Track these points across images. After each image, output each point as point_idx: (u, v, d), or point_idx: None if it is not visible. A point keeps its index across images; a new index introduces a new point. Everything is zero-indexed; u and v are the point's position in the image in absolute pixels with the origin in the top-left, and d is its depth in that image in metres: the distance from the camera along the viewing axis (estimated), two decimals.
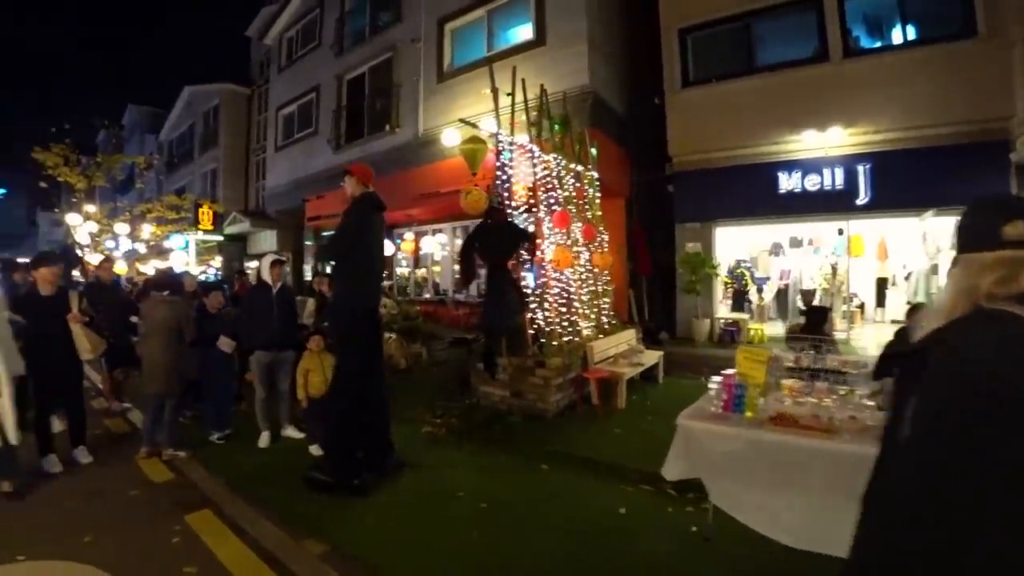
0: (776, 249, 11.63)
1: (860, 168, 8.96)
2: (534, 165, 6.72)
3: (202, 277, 15.62)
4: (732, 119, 9.76)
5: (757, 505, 3.31)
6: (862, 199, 9.01)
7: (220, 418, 5.44)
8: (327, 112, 15.51)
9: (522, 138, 6.81)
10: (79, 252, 16.68)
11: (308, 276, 17.77)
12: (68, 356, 4.67)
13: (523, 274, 6.35)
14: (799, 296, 10.91)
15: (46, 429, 4.67)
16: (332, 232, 13.81)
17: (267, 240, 19.85)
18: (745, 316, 10.34)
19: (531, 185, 6.66)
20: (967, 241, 1.20)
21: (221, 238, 21.40)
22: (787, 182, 9.54)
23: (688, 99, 10.28)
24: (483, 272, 6.67)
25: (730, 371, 3.80)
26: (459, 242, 13.15)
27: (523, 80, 6.93)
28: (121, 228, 18.19)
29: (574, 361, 6.27)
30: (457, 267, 12.84)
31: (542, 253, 6.39)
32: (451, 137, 10.22)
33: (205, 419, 5.55)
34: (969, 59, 8.16)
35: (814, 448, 3.16)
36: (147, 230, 19.25)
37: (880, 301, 11.19)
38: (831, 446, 3.12)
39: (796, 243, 11.42)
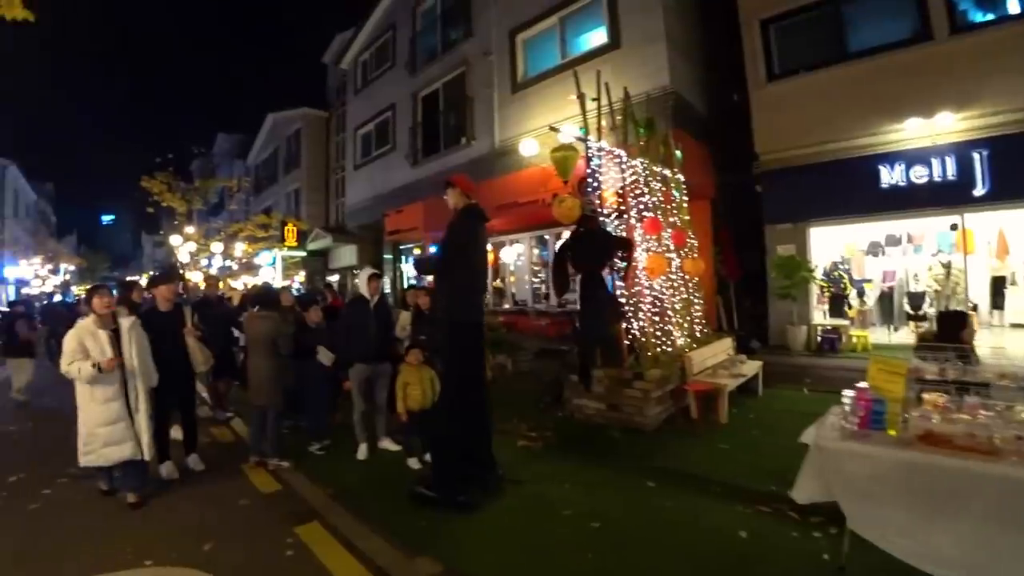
0: (874, 248, 10.84)
1: (975, 155, 8.08)
2: (622, 170, 6.55)
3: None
4: (824, 111, 9.12)
5: (905, 533, 3.01)
6: (979, 189, 8.13)
7: (320, 429, 5.57)
8: (403, 129, 15.97)
9: (606, 143, 6.66)
10: (180, 270, 18.02)
11: (387, 289, 18.35)
12: (185, 368, 4.96)
13: (617, 283, 6.17)
14: (906, 299, 10.07)
15: (165, 437, 4.92)
16: (418, 245, 14.13)
17: (347, 255, 20.62)
18: (845, 322, 9.63)
19: (620, 191, 6.50)
20: None
21: (304, 254, 22.46)
22: (890, 176, 8.77)
23: (774, 93, 9.74)
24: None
25: (863, 384, 3.50)
26: (537, 252, 13.12)
27: (606, 84, 6.79)
28: (216, 247, 19.49)
29: (672, 372, 6.03)
30: (533, 277, 12.86)
31: (636, 261, 6.20)
32: (529, 147, 10.24)
33: (306, 430, 5.70)
34: None
35: (975, 471, 2.84)
36: (239, 248, 20.49)
37: (996, 303, 10.11)
38: (996, 469, 2.79)
39: (894, 241, 10.59)
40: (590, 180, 6.20)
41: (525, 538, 3.61)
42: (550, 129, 7.23)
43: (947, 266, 9.43)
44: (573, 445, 5.46)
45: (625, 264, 6.12)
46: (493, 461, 4.36)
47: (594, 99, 6.68)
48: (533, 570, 3.23)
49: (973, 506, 2.83)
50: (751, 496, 4.09)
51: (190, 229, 19.58)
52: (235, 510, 4.24)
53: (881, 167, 8.80)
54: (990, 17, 8.41)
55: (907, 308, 9.97)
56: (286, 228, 21.31)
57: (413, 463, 4.95)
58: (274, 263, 22.31)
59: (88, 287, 4.29)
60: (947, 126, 8.23)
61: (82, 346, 4.01)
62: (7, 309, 10.94)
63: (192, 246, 18.93)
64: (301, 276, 22.98)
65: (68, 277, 36.51)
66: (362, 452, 5.28)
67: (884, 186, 8.80)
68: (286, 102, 25.69)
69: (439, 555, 3.38)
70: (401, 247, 17.16)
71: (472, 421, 4.15)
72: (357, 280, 5.53)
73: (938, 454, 2.99)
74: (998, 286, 10.06)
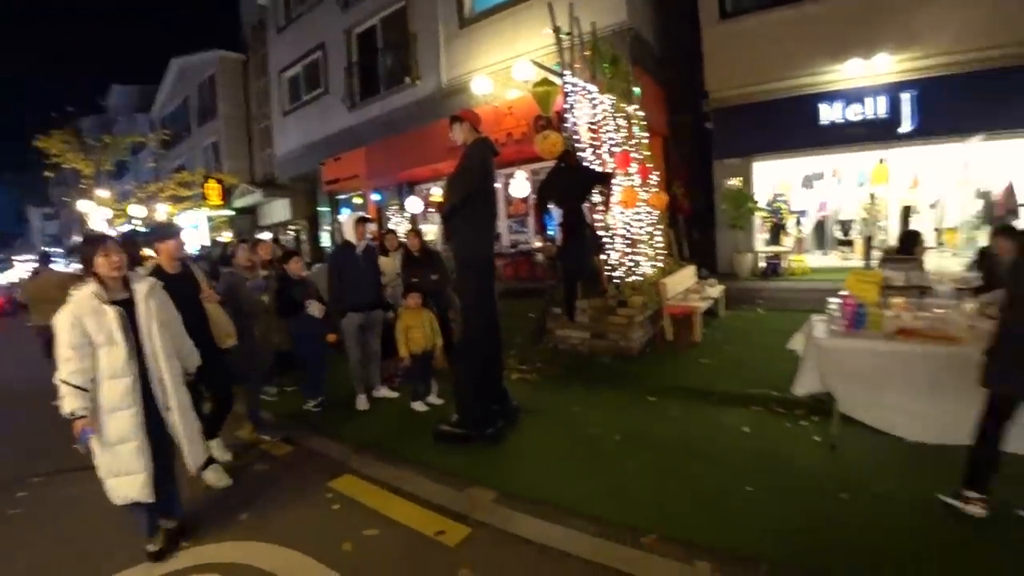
0: (808, 182, 11.65)
1: (905, 96, 8.83)
2: (593, 106, 6.62)
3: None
4: (772, 51, 9.51)
5: (888, 408, 3.60)
6: (905, 127, 8.92)
7: (317, 386, 5.33)
8: (337, 70, 15.05)
9: (578, 79, 6.66)
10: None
11: (326, 242, 17.73)
12: (207, 342, 3.84)
13: (595, 216, 6.33)
14: (837, 227, 10.98)
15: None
16: (359, 194, 13.62)
17: (280, 210, 19.62)
18: (785, 248, 10.41)
19: (591, 126, 6.57)
20: None
21: (232, 212, 21.12)
22: (828, 113, 9.40)
23: (726, 32, 10.00)
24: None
25: (844, 292, 3.96)
26: None
27: (576, 18, 6.75)
28: (137, 211, 17.77)
29: (651, 299, 6.36)
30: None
31: (612, 194, 6.37)
32: (482, 85, 10.02)
33: (303, 388, 5.46)
34: None
35: (943, 355, 3.40)
36: (162, 210, 18.82)
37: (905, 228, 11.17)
38: (959, 351, 3.34)
39: (820, 176, 11.44)
40: (567, 115, 6.22)
41: (564, 458, 3.79)
42: (535, 64, 7.03)
43: (873, 196, 10.32)
44: (568, 374, 5.69)
45: (604, 198, 6.27)
46: (507, 393, 4.48)
47: (567, 34, 6.62)
48: (584, 481, 3.42)
49: (942, 382, 3.42)
50: (742, 399, 4.56)
51: (103, 193, 17.68)
52: (255, 477, 4.02)
53: (821, 105, 9.40)
54: None
55: (837, 234, 10.88)
56: (207, 185, 19.80)
57: (419, 406, 4.95)
58: (198, 226, 20.84)
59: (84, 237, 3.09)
60: (883, 68, 8.85)
61: (81, 330, 2.75)
62: None
63: (107, 212, 17.15)
64: (228, 236, 21.56)
65: None
66: (361, 403, 5.16)
67: (823, 123, 9.42)
68: (193, 45, 23.37)
69: (488, 484, 3.44)
70: (340, 197, 16.53)
71: (491, 354, 4.23)
72: (342, 226, 5.31)
73: (914, 343, 3.50)
74: (906, 214, 11.12)
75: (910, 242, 5.59)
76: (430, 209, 13.37)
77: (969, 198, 9.74)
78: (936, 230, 10.48)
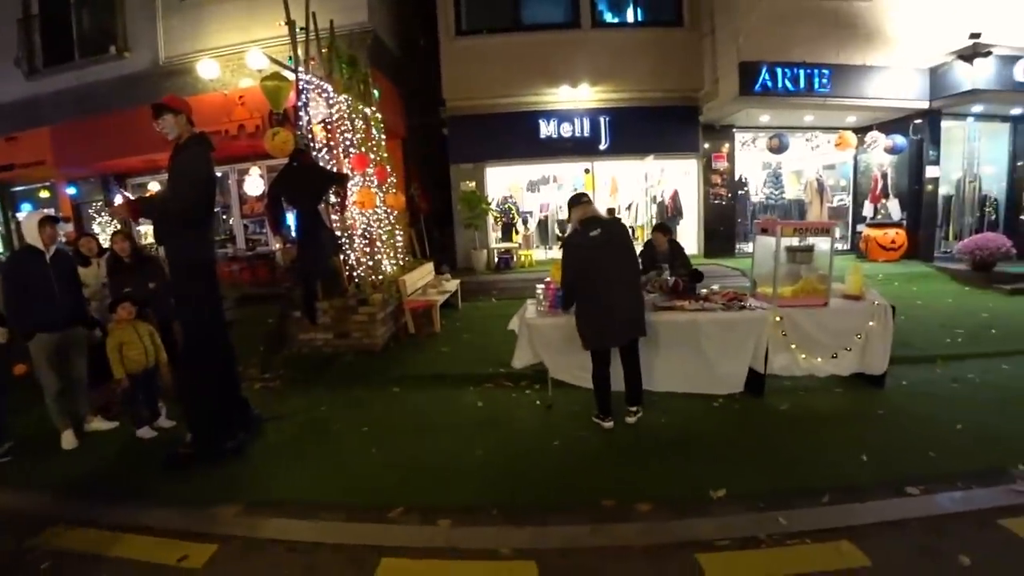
0: (532, 186, 13.37)
1: (602, 120, 11.10)
2: (329, 105, 6.63)
3: None
4: (500, 70, 10.84)
5: (577, 368, 4.51)
6: (603, 145, 11.21)
7: None
8: (7, 21, 11.81)
9: (313, 76, 6.59)
10: None
11: None
12: None
13: (332, 216, 6.37)
14: (556, 225, 12.86)
15: None
16: (45, 186, 11.09)
17: None
18: (515, 245, 11.83)
19: (327, 125, 6.58)
20: (574, 204, 4.11)
21: None
22: (546, 128, 11.21)
23: (462, 47, 10.97)
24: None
25: (548, 279, 4.84)
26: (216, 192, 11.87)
27: (314, 13, 6.65)
28: None
29: (391, 295, 6.68)
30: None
31: (349, 195, 6.50)
32: (208, 69, 9.18)
33: None
34: (677, 42, 10.82)
35: None
36: None
37: None
38: None
39: (544, 180, 13.33)
40: (301, 113, 6.12)
41: (311, 457, 3.88)
42: (273, 62, 6.61)
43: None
44: (312, 376, 5.68)
45: (339, 198, 6.37)
46: (247, 403, 4.32)
47: (302, 28, 6.46)
48: (333, 475, 3.58)
49: None
50: (477, 379, 5.26)
51: None
52: None
53: (540, 121, 11.15)
54: (616, 21, 11.32)
55: (557, 232, 12.78)
56: None
57: (145, 433, 4.38)
58: None
59: None
60: (586, 96, 10.94)
61: None
62: None
63: None
64: None
65: None
66: (68, 440, 4.29)
67: (542, 137, 11.20)
68: None
69: (234, 499, 3.31)
70: (17, 189, 13.26)
71: (221, 365, 4.03)
72: (22, 227, 4.41)
73: None
74: (611, 214, 13.59)
75: None
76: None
77: (648, 202, 12.38)
78: (631, 227, 12.98)
